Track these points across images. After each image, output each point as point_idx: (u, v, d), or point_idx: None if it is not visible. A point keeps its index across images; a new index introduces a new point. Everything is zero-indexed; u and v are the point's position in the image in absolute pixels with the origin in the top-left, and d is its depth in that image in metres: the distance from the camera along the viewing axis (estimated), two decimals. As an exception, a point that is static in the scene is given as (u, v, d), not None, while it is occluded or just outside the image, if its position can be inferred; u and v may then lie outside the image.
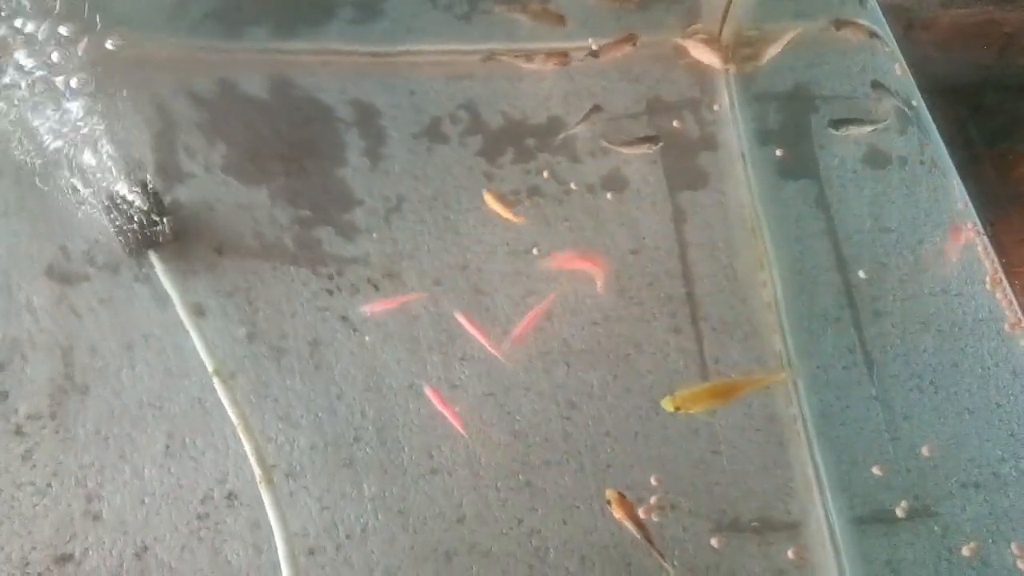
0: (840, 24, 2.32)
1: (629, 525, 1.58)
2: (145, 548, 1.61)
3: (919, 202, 2.11)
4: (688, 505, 1.71)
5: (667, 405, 1.57)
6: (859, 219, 2.07)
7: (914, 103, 2.23)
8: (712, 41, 2.31)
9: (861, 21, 2.35)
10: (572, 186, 2.09)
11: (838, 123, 2.16)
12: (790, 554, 1.67)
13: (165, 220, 1.87)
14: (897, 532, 1.70)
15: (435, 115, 2.18)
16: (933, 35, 2.59)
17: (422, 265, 1.95)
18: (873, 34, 2.33)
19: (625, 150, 2.10)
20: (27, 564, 1.58)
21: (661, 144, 2.11)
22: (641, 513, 1.64)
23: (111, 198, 1.89)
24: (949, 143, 2.17)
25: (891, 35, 2.36)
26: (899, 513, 1.71)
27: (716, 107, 2.23)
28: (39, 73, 2.03)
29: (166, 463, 1.69)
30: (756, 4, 2.36)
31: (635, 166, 2.12)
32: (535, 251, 1.98)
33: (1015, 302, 1.94)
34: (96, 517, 1.63)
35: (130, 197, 1.88)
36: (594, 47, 2.27)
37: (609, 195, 2.08)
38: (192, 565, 1.60)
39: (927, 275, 2.00)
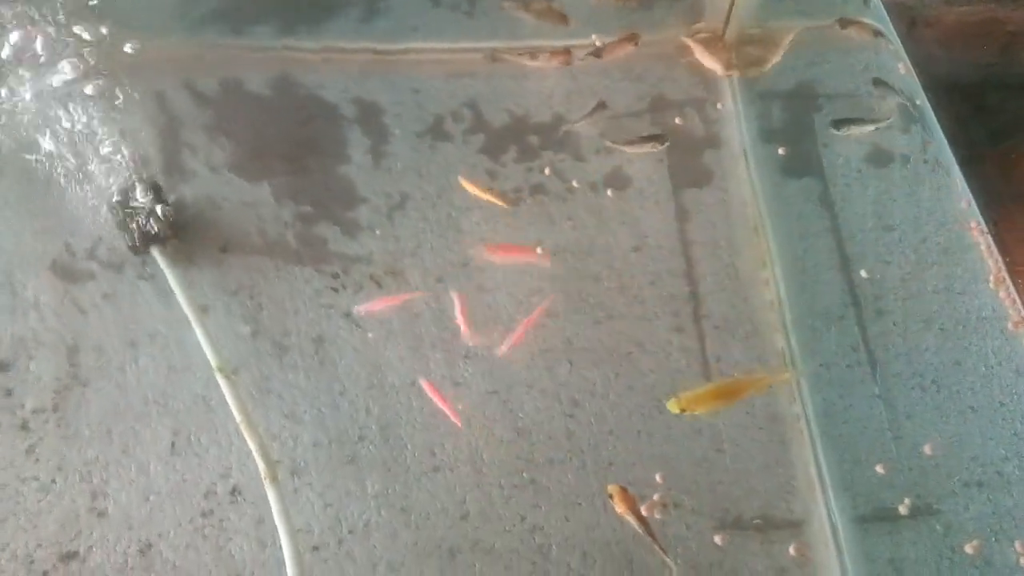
0: (845, 23, 2.32)
1: (631, 520, 1.59)
2: (149, 545, 1.61)
3: (922, 201, 2.11)
4: (691, 503, 1.71)
5: (672, 407, 1.57)
6: (862, 218, 2.07)
7: (918, 102, 2.23)
8: (716, 43, 2.31)
9: (865, 20, 2.35)
10: (575, 184, 2.09)
11: (839, 123, 2.16)
12: (792, 552, 1.67)
13: (169, 217, 1.88)
14: (899, 531, 1.70)
15: (438, 113, 2.18)
16: (936, 33, 2.59)
17: (425, 263, 1.96)
18: (877, 33, 2.33)
19: (630, 150, 2.11)
20: (32, 561, 1.58)
21: (667, 143, 2.11)
22: (644, 511, 1.65)
23: (115, 195, 1.90)
24: (952, 142, 2.17)
25: (895, 34, 2.36)
26: (902, 512, 1.71)
27: (719, 106, 2.23)
28: (44, 71, 2.04)
29: (170, 459, 1.69)
30: (760, 3, 2.36)
31: (638, 164, 2.12)
32: (539, 250, 1.99)
33: (1018, 301, 1.94)
34: (101, 513, 1.63)
35: (134, 194, 1.89)
36: (598, 43, 2.27)
37: (612, 193, 2.08)
38: (196, 561, 1.61)
39: (930, 274, 2.00)
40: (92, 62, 2.06)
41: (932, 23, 2.61)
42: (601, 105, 2.16)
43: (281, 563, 1.57)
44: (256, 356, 1.81)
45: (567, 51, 2.22)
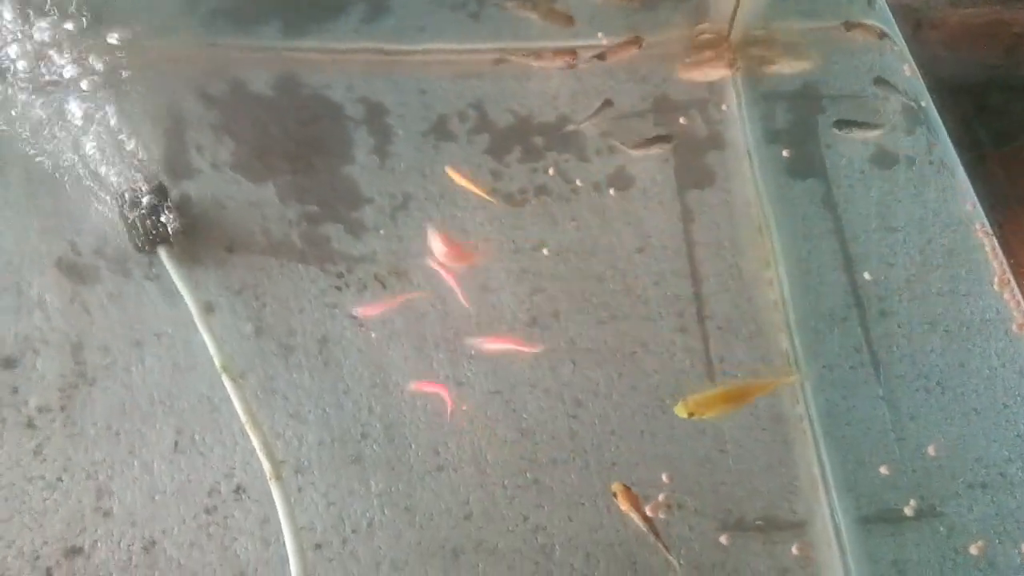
0: (850, 25, 2.31)
1: (635, 517, 1.59)
2: (154, 542, 1.62)
3: (926, 202, 2.11)
4: (694, 504, 1.72)
5: (680, 411, 1.56)
6: (866, 219, 2.07)
7: (923, 103, 2.23)
8: (717, 48, 2.31)
9: (871, 22, 2.35)
10: (579, 184, 2.09)
11: (841, 123, 2.16)
12: (795, 553, 1.67)
13: (174, 217, 1.88)
14: (903, 532, 1.70)
15: (443, 113, 2.19)
16: (941, 35, 2.59)
17: (428, 263, 1.96)
18: (883, 34, 2.32)
19: (638, 152, 2.10)
20: (38, 558, 1.59)
21: (674, 143, 2.11)
22: (649, 511, 1.65)
23: (121, 195, 1.90)
24: (957, 143, 2.17)
25: (900, 35, 2.35)
26: (905, 513, 1.71)
27: (724, 107, 2.23)
28: (50, 70, 2.05)
29: (175, 458, 1.70)
30: (765, 4, 2.36)
31: (642, 165, 2.12)
32: (544, 251, 1.99)
33: (1023, 303, 1.94)
34: (106, 512, 1.64)
35: (140, 194, 1.90)
36: (605, 41, 2.27)
37: (616, 194, 2.09)
38: (200, 559, 1.61)
39: (934, 275, 2.00)
40: (97, 62, 2.07)
41: (937, 25, 2.60)
42: (607, 103, 2.16)
43: (285, 561, 1.58)
44: (261, 356, 1.82)
45: (572, 51, 2.22)
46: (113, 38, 2.09)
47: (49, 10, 2.05)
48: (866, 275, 1.98)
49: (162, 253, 1.87)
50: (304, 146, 2.11)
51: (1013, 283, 1.96)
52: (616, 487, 1.63)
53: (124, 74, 2.07)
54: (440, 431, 1.76)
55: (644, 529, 1.58)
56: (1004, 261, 1.99)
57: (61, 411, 1.73)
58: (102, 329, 1.82)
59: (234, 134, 2.10)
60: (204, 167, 2.05)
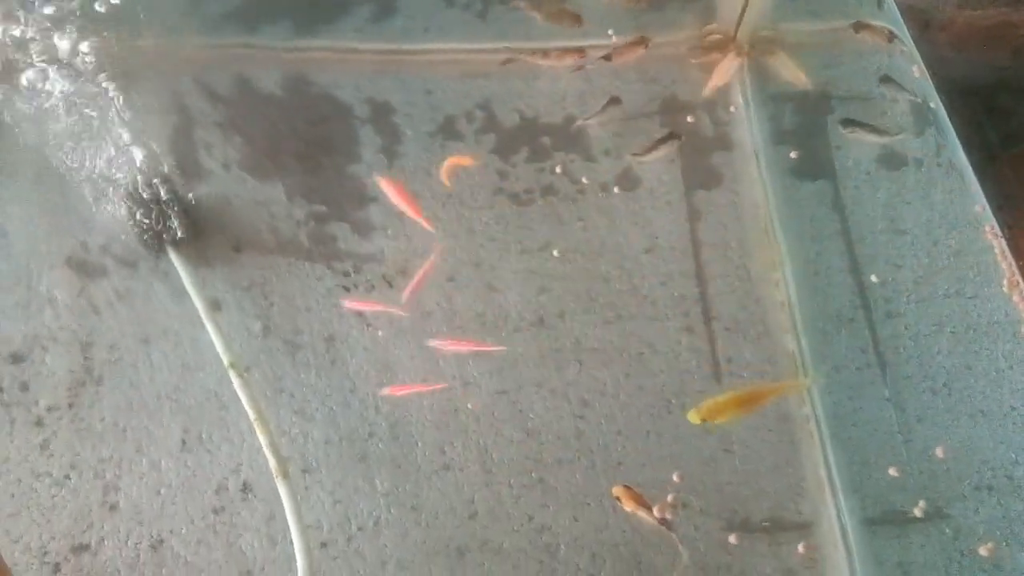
0: (859, 27, 2.31)
1: (642, 514, 1.59)
2: (161, 540, 1.63)
3: (934, 204, 2.10)
4: (699, 504, 1.72)
5: (693, 418, 1.56)
6: (873, 220, 2.06)
7: (932, 105, 2.22)
8: (724, 47, 2.31)
9: (880, 23, 2.34)
10: (586, 185, 2.09)
11: (847, 123, 2.15)
12: (801, 554, 1.67)
13: (183, 215, 1.89)
14: (909, 534, 1.70)
15: (450, 113, 2.19)
16: (949, 37, 2.58)
17: (435, 262, 1.96)
18: (892, 36, 2.32)
19: (649, 157, 2.10)
20: (45, 553, 1.60)
21: (682, 140, 2.11)
22: (656, 511, 1.65)
23: (130, 193, 1.91)
24: (966, 145, 2.16)
25: (909, 37, 2.35)
26: (911, 515, 1.70)
27: (732, 108, 2.23)
28: (59, 70, 2.06)
29: (182, 456, 1.71)
30: (773, 4, 2.35)
31: (649, 166, 2.12)
32: (555, 252, 1.99)
33: (1031, 305, 1.94)
34: (113, 508, 1.65)
35: (148, 193, 1.91)
36: (614, 39, 2.27)
37: (623, 194, 2.09)
38: (207, 557, 1.62)
39: (941, 277, 1.99)
40: (106, 61, 2.08)
41: (945, 26, 2.60)
42: (614, 100, 2.16)
43: (291, 559, 1.58)
44: (268, 354, 1.83)
45: (581, 50, 2.21)
46: (123, 37, 2.10)
47: (59, 9, 2.06)
48: (873, 277, 1.98)
49: (170, 251, 1.88)
50: (312, 145, 2.11)
51: (1022, 285, 1.96)
52: (617, 491, 1.64)
53: (133, 73, 2.08)
54: (446, 430, 1.77)
55: (652, 523, 1.58)
56: (1013, 263, 1.98)
57: (69, 408, 1.74)
58: (110, 327, 1.83)
59: (242, 133, 2.11)
60: (212, 166, 2.06)
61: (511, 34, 2.31)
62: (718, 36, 2.33)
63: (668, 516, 1.68)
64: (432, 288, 1.93)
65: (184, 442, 1.72)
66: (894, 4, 2.39)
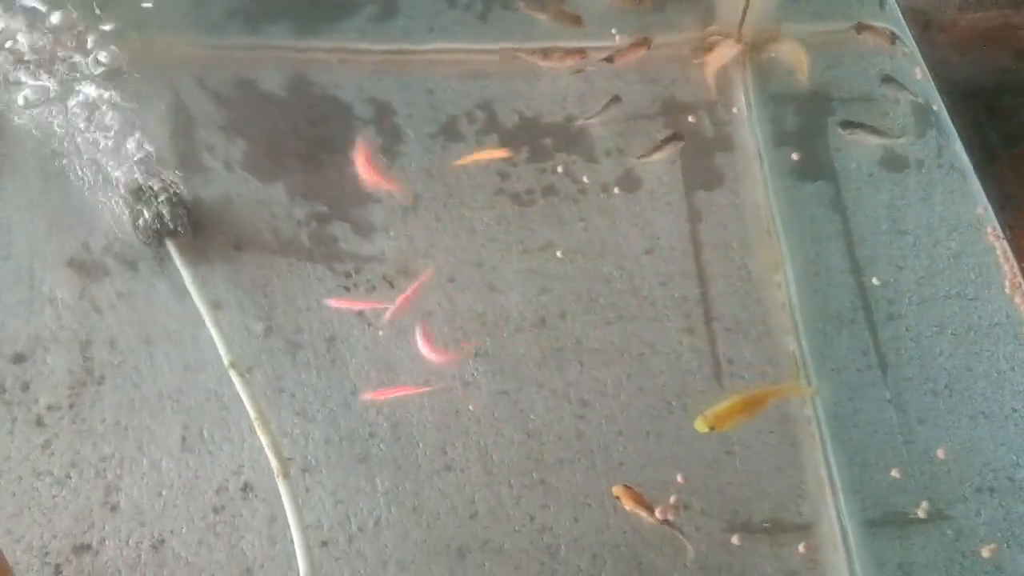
0: (861, 28, 2.31)
1: (642, 513, 1.59)
2: (162, 540, 1.63)
3: (935, 205, 2.10)
4: (700, 505, 1.72)
5: (700, 426, 1.56)
6: (875, 222, 2.06)
7: (934, 107, 2.22)
8: (724, 39, 2.31)
9: (882, 24, 2.34)
10: (587, 185, 2.09)
11: (847, 124, 2.15)
12: (801, 555, 1.67)
13: (184, 215, 1.89)
14: (910, 535, 1.70)
15: (451, 114, 2.19)
16: (950, 38, 2.58)
17: (436, 263, 1.97)
18: (894, 37, 2.32)
19: (653, 158, 2.10)
20: (47, 553, 1.60)
21: (684, 141, 2.11)
22: (659, 513, 1.65)
23: (131, 193, 1.91)
24: (967, 146, 2.16)
25: (911, 38, 2.35)
26: (912, 516, 1.70)
27: (735, 109, 2.23)
28: (62, 70, 2.06)
29: (183, 455, 1.71)
30: (774, 5, 2.36)
31: (650, 166, 2.12)
32: (559, 254, 1.99)
33: (1033, 306, 1.94)
34: (114, 508, 1.65)
35: (150, 192, 1.91)
36: (618, 39, 2.27)
37: (624, 194, 2.09)
38: (208, 557, 1.62)
39: (943, 278, 1.99)
40: (108, 60, 2.08)
41: (946, 28, 2.60)
42: (615, 99, 2.16)
43: (292, 559, 1.58)
44: (269, 354, 1.83)
45: (582, 51, 2.21)
46: (124, 37, 2.10)
47: (60, 9, 2.06)
48: (874, 279, 1.98)
49: (172, 251, 1.88)
50: (313, 145, 2.11)
51: (1024, 287, 1.96)
52: (617, 491, 1.64)
53: (135, 73, 2.08)
54: (447, 431, 1.77)
55: (651, 523, 1.59)
56: (1015, 264, 1.98)
57: (70, 408, 1.74)
58: (111, 326, 1.83)
59: (244, 133, 2.11)
60: (214, 166, 2.06)
61: (513, 35, 2.31)
62: (719, 37, 2.33)
63: (670, 517, 1.68)
64: (434, 288, 1.93)
65: (185, 442, 1.72)
66: (896, 5, 2.39)
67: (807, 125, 2.22)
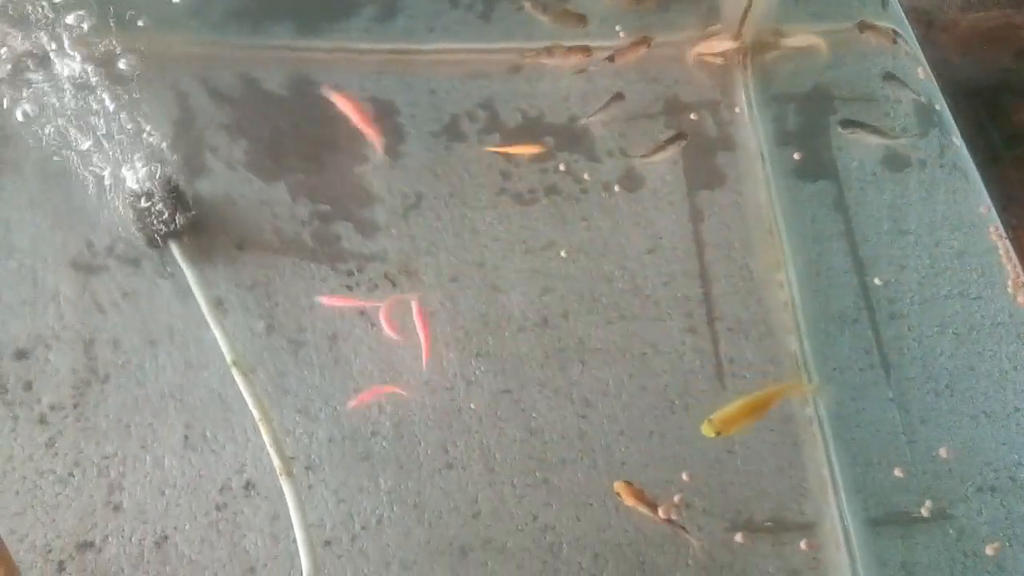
0: (864, 27, 2.31)
1: (642, 509, 1.59)
2: (165, 538, 1.63)
3: (938, 205, 2.10)
4: (702, 504, 1.72)
5: (707, 431, 1.55)
6: (877, 221, 2.07)
7: (936, 106, 2.22)
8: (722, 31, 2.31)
9: (884, 24, 2.34)
10: (589, 185, 2.10)
11: (847, 123, 2.15)
12: (804, 555, 1.67)
13: (187, 215, 1.90)
14: (912, 535, 1.70)
15: (454, 113, 2.19)
16: (952, 38, 2.58)
17: (439, 262, 1.97)
18: (896, 37, 2.32)
19: (657, 157, 2.10)
20: (50, 551, 1.60)
21: (688, 139, 2.11)
22: (662, 512, 1.65)
23: (134, 192, 1.91)
24: (969, 146, 2.16)
25: (914, 38, 2.35)
26: (914, 516, 1.70)
27: (737, 109, 2.23)
28: (63, 68, 2.06)
29: (186, 454, 1.71)
30: (776, 5, 2.36)
31: (652, 166, 2.13)
32: (563, 253, 1.99)
33: (1037, 306, 1.93)
34: (117, 506, 1.65)
35: (153, 192, 1.91)
36: (622, 34, 2.28)
37: (626, 194, 2.09)
38: (211, 555, 1.62)
39: (945, 278, 1.99)
40: (110, 60, 2.08)
41: (948, 27, 2.60)
42: (617, 96, 2.16)
43: (294, 558, 1.59)
44: (271, 352, 1.83)
45: (586, 49, 2.21)
46: (126, 36, 2.10)
47: (63, 10, 2.06)
48: (876, 280, 1.98)
49: (174, 250, 1.88)
50: (315, 145, 2.12)
51: (1027, 286, 1.96)
52: (618, 486, 1.64)
53: (137, 72, 2.08)
54: (449, 430, 1.77)
55: (652, 519, 1.59)
56: (1018, 264, 1.98)
57: (74, 408, 1.74)
58: (114, 325, 1.84)
59: (246, 133, 2.12)
60: (216, 165, 2.06)
61: (515, 34, 2.32)
62: (718, 28, 2.33)
63: (673, 516, 1.68)
64: (436, 288, 1.93)
65: (188, 440, 1.72)
66: (898, 5, 2.39)
67: (809, 125, 2.22)
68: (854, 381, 1.86)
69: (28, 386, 1.76)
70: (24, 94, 2.04)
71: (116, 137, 1.99)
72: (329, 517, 1.67)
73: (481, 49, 2.32)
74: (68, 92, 2.02)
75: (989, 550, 1.66)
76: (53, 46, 2.04)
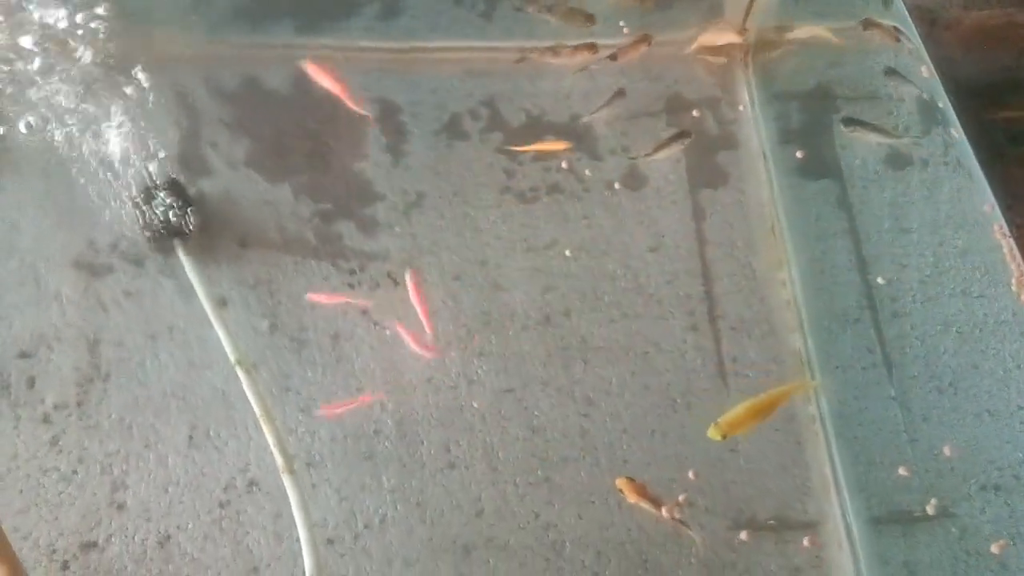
0: (867, 24, 2.30)
1: (645, 505, 1.59)
2: (168, 536, 1.63)
3: (941, 203, 2.10)
4: (705, 503, 1.72)
5: (713, 434, 1.55)
6: (880, 220, 2.06)
7: (940, 105, 2.22)
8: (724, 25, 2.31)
9: (888, 22, 2.34)
10: (592, 183, 2.09)
11: (849, 121, 2.14)
12: (806, 553, 1.67)
13: (189, 213, 1.90)
14: (915, 533, 1.70)
15: (456, 111, 2.19)
16: (955, 36, 2.58)
17: (441, 260, 1.97)
18: (900, 35, 2.31)
19: (661, 155, 2.09)
20: (54, 551, 1.61)
21: (692, 137, 2.10)
22: (665, 512, 1.65)
23: (137, 191, 1.92)
24: (974, 144, 2.16)
25: (918, 36, 2.34)
26: (917, 514, 1.70)
27: (741, 107, 2.23)
28: (66, 68, 2.06)
29: (189, 452, 1.71)
30: (779, 4, 2.35)
31: (655, 164, 2.12)
32: (567, 252, 1.99)
33: (1040, 305, 1.93)
34: (120, 505, 1.66)
35: (155, 190, 1.91)
36: (626, 30, 2.27)
37: (629, 192, 2.09)
38: (214, 554, 1.62)
39: (948, 276, 1.99)
40: (113, 58, 2.09)
41: (951, 26, 2.59)
42: (620, 93, 2.16)
43: (297, 556, 1.59)
44: (274, 351, 1.83)
45: (592, 46, 2.20)
46: (129, 35, 2.10)
47: (64, 7, 2.07)
48: (879, 279, 1.97)
49: (177, 249, 1.88)
50: (318, 144, 2.12)
51: (1031, 284, 1.96)
52: (620, 482, 1.64)
53: (140, 71, 2.09)
54: (452, 428, 1.77)
55: (656, 515, 1.59)
56: (1022, 262, 1.98)
57: (77, 406, 1.74)
58: (117, 324, 1.84)
59: (249, 131, 2.11)
60: (218, 164, 2.06)
61: (518, 32, 2.31)
62: (720, 22, 2.33)
63: (677, 515, 1.68)
64: (438, 287, 1.93)
65: (191, 439, 1.73)
66: (901, 3, 2.39)
67: (812, 123, 2.22)
68: (857, 379, 1.86)
69: (31, 385, 1.76)
70: (26, 94, 2.04)
71: (118, 136, 1.99)
72: (332, 515, 1.67)
73: (483, 48, 2.32)
74: (71, 92, 2.02)
75: (994, 548, 1.66)
76: (55, 45, 2.04)
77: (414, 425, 1.77)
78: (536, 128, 2.17)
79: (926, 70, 2.28)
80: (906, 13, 2.37)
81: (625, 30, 2.28)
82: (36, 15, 2.10)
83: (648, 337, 1.89)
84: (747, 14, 2.30)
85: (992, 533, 1.69)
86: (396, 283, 1.93)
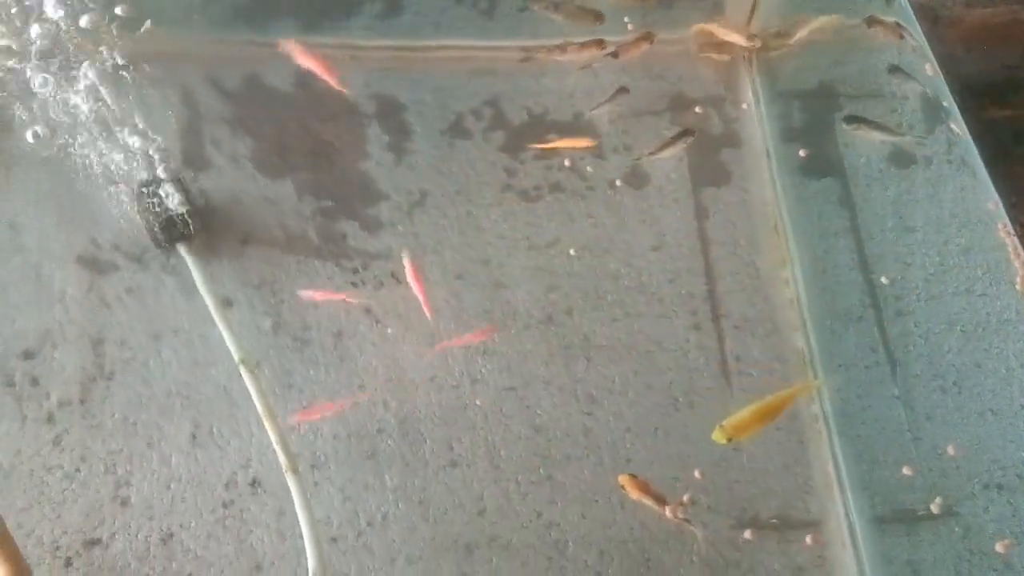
0: (871, 22, 2.30)
1: (648, 502, 1.59)
2: (171, 534, 1.64)
3: (944, 202, 2.09)
4: (708, 502, 1.72)
5: (718, 437, 1.54)
6: (883, 218, 2.06)
7: (944, 103, 2.21)
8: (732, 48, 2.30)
9: (892, 20, 2.33)
10: (594, 181, 2.09)
11: (851, 119, 2.14)
12: (809, 552, 1.67)
13: (192, 212, 1.90)
14: (918, 532, 1.70)
15: (459, 110, 2.19)
16: (958, 34, 2.57)
17: (444, 259, 1.97)
18: (903, 33, 2.31)
19: (665, 154, 2.09)
20: (57, 548, 1.61)
21: (695, 136, 2.10)
22: (669, 512, 1.65)
23: (140, 190, 1.92)
24: (978, 142, 2.15)
25: (921, 34, 2.34)
26: (920, 513, 1.70)
27: (744, 105, 2.22)
28: (68, 66, 2.07)
29: (192, 451, 1.71)
30: (781, 2, 2.35)
31: (658, 162, 2.12)
32: (572, 252, 1.99)
33: (1045, 303, 1.93)
34: (124, 503, 1.66)
35: (158, 189, 1.91)
36: (630, 27, 2.27)
37: (631, 191, 2.09)
38: (217, 551, 1.63)
39: (951, 275, 1.98)
40: (116, 57, 2.09)
41: (954, 23, 2.59)
42: (622, 90, 2.15)
43: (300, 554, 1.59)
44: (277, 350, 1.83)
45: (600, 41, 2.19)
46: (131, 34, 2.10)
47: (68, 5, 2.07)
48: (883, 278, 1.97)
49: (180, 248, 1.89)
50: (321, 143, 2.12)
51: (1034, 283, 1.95)
52: (622, 479, 1.64)
53: (142, 70, 2.08)
54: (454, 427, 1.77)
55: (658, 512, 1.58)
56: (1026, 261, 1.98)
57: (80, 404, 1.75)
58: (121, 322, 1.84)
59: (251, 130, 2.12)
60: (221, 162, 2.06)
61: (521, 31, 2.31)
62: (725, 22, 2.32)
63: (680, 515, 1.68)
64: (441, 286, 1.93)
65: (194, 437, 1.73)
66: (905, 1, 2.38)
67: (815, 121, 2.21)
68: (860, 378, 1.85)
69: (35, 383, 1.76)
70: (28, 93, 2.04)
71: (121, 135, 1.99)
72: (335, 514, 1.67)
73: (487, 46, 2.32)
74: (73, 90, 2.03)
75: (999, 547, 1.66)
76: (58, 44, 2.04)
77: (416, 423, 1.77)
78: (539, 126, 2.17)
79: (930, 68, 2.28)
80: (910, 10, 2.37)
81: (630, 27, 2.28)
82: (38, 11, 2.10)
83: (651, 336, 1.89)
84: (751, 14, 2.29)
85: (996, 532, 1.68)
86: (399, 282, 1.93)
